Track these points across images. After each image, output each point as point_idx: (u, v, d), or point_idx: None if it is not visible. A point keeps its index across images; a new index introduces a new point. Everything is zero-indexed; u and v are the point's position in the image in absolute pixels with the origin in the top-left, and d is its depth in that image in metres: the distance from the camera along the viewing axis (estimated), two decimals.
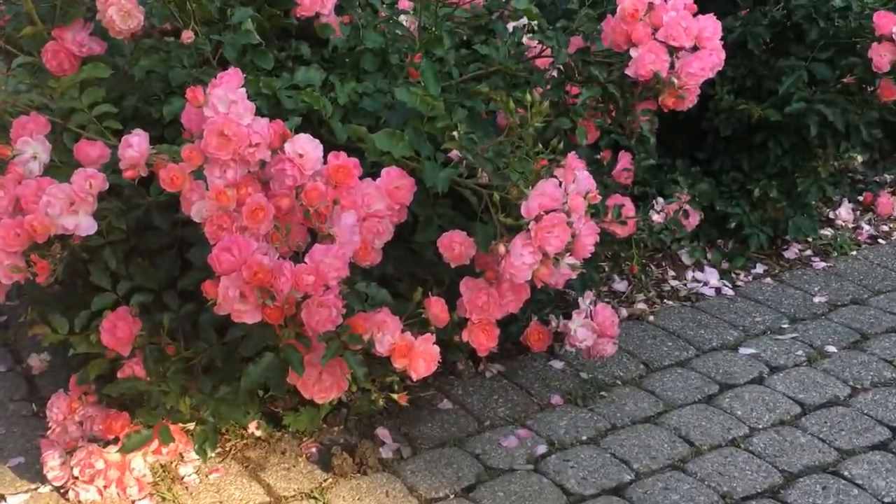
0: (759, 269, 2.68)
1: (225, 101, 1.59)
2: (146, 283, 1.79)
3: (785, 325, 2.39)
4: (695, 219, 2.53)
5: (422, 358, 1.57)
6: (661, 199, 2.51)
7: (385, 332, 1.56)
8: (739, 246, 2.74)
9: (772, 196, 2.70)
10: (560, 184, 1.64)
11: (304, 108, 1.96)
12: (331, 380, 1.56)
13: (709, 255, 2.69)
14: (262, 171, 1.62)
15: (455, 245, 1.70)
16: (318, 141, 1.62)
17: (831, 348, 2.27)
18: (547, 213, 1.59)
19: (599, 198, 1.73)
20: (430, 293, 1.71)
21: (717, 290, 2.57)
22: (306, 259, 1.48)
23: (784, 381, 2.15)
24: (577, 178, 1.67)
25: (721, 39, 1.95)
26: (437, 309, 1.63)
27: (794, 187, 2.75)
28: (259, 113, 1.81)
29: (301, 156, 1.60)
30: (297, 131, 1.68)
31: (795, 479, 1.83)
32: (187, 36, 1.87)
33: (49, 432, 1.78)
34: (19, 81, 1.73)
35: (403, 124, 1.91)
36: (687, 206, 2.48)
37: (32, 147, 1.68)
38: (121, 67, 1.98)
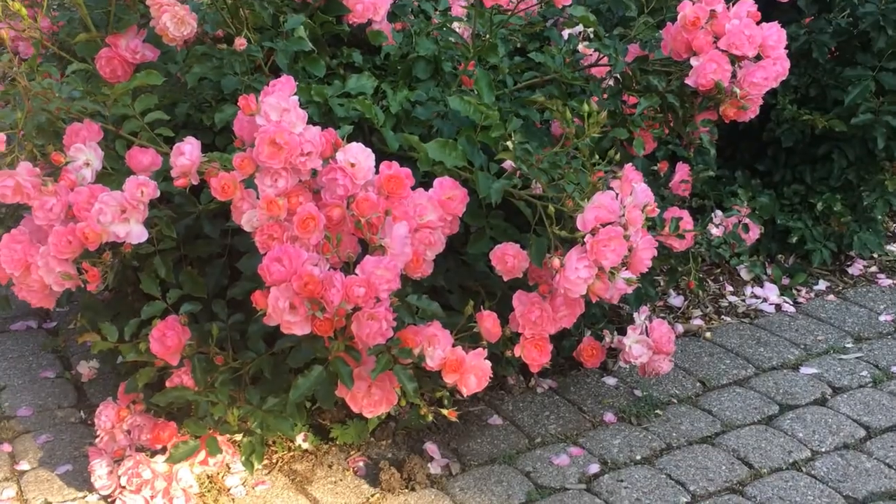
0: (822, 285, 2.63)
1: (277, 109, 1.60)
2: (195, 292, 1.81)
3: (849, 345, 2.34)
4: (755, 232, 2.49)
5: (473, 373, 1.57)
6: (719, 213, 2.48)
7: (436, 346, 1.55)
8: (801, 261, 2.69)
9: (836, 210, 2.65)
10: (617, 196, 1.62)
11: (355, 117, 1.97)
12: (380, 394, 1.56)
13: (769, 271, 2.65)
14: (313, 181, 1.62)
15: (508, 258, 1.69)
16: (370, 150, 1.62)
17: None
18: (603, 226, 1.58)
19: (657, 211, 1.71)
20: (482, 306, 1.71)
21: (777, 306, 2.52)
22: (357, 270, 1.48)
23: (848, 402, 2.10)
24: (634, 190, 1.66)
25: (785, 48, 1.93)
26: (489, 323, 1.62)
27: (859, 201, 2.70)
28: (310, 121, 1.83)
29: (353, 165, 1.60)
30: (348, 140, 1.70)
31: None
32: (240, 43, 1.88)
33: (97, 440, 1.80)
34: (73, 88, 1.75)
35: (456, 133, 1.91)
36: (747, 220, 2.45)
37: (85, 154, 1.70)
38: (173, 74, 2.00)
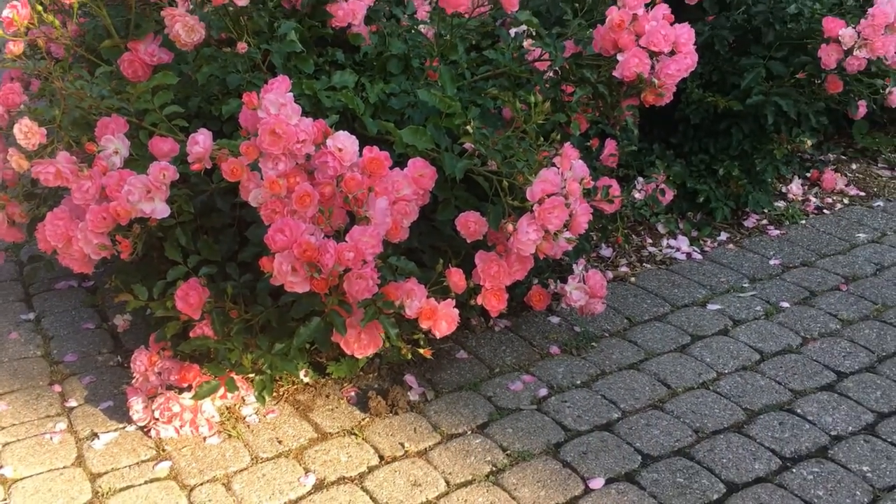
0: (724, 236, 2.65)
1: (276, 104, 1.57)
2: (211, 257, 1.79)
3: (745, 285, 2.37)
4: (669, 195, 2.50)
5: (444, 319, 1.57)
6: (641, 179, 2.48)
7: (413, 298, 1.55)
8: (707, 217, 2.71)
9: (734, 174, 2.67)
10: (559, 171, 1.62)
11: (340, 107, 1.94)
12: (368, 338, 1.56)
13: (681, 226, 2.66)
14: (307, 163, 1.60)
15: (470, 224, 1.68)
16: (354, 137, 1.60)
17: (785, 304, 2.26)
18: (548, 196, 1.58)
19: (592, 183, 1.71)
20: (449, 264, 1.71)
21: (688, 255, 2.54)
22: (347, 238, 1.47)
23: (745, 332, 2.13)
24: (573, 166, 1.66)
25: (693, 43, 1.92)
26: (456, 278, 1.62)
27: (753, 167, 2.72)
28: (303, 112, 1.80)
29: (340, 150, 1.58)
30: (335, 127, 1.67)
31: (756, 416, 1.82)
32: (242, 47, 1.85)
33: (133, 381, 1.78)
34: (102, 88, 1.71)
35: (425, 120, 1.90)
36: (663, 186, 2.45)
37: (114, 144, 1.67)
38: (185, 73, 1.96)
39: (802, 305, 2.26)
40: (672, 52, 1.89)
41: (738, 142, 2.68)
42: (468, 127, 1.71)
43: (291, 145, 1.55)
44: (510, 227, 1.60)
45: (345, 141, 1.59)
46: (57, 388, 1.95)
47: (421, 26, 2.34)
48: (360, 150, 1.61)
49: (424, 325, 1.57)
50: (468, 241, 1.70)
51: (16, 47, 1.61)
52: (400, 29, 2.31)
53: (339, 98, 1.95)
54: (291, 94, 1.61)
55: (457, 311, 1.59)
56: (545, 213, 1.57)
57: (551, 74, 2.05)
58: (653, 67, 1.88)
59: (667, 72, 1.87)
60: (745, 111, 2.56)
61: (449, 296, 1.60)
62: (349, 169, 1.58)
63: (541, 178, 1.58)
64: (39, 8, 1.72)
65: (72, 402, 1.90)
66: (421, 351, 1.65)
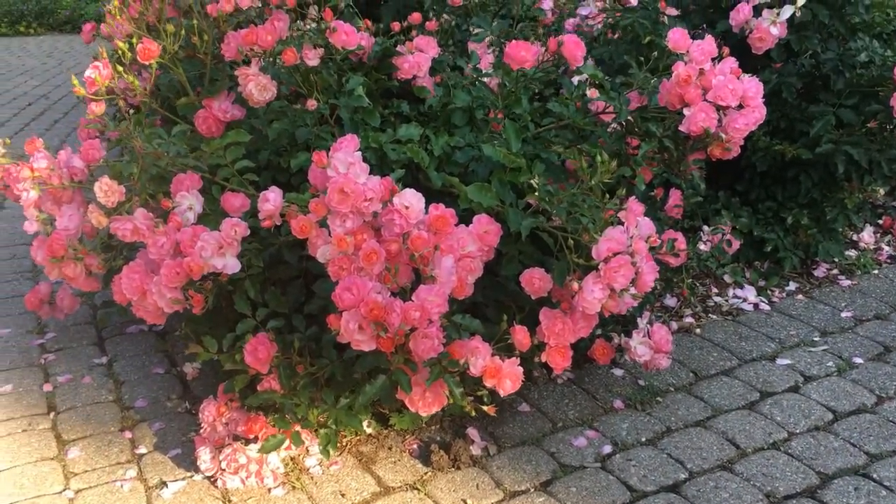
0: (792, 286, 2.59)
1: (344, 162, 1.60)
2: (279, 308, 1.82)
3: (816, 338, 2.30)
4: (735, 244, 2.46)
5: (508, 378, 1.56)
6: (706, 229, 2.45)
7: (478, 356, 1.55)
8: (774, 266, 2.65)
9: (803, 223, 2.62)
10: (624, 228, 1.61)
11: (405, 160, 1.97)
12: (432, 397, 1.56)
13: (747, 275, 2.61)
14: (374, 220, 1.62)
15: (535, 280, 1.68)
16: (420, 195, 1.62)
17: (858, 360, 2.19)
18: (614, 255, 1.57)
19: (658, 241, 1.70)
20: (513, 320, 1.70)
21: (755, 305, 2.49)
22: (413, 297, 1.48)
23: (817, 389, 2.07)
24: (639, 223, 1.64)
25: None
26: (520, 336, 1.61)
27: (822, 215, 2.66)
28: (367, 162, 1.84)
29: (407, 208, 1.60)
30: (401, 181, 1.70)
31: (830, 480, 1.75)
32: (311, 104, 1.89)
33: (201, 431, 1.81)
34: (178, 147, 1.76)
35: (489, 174, 1.91)
36: (729, 236, 2.41)
37: (188, 200, 1.71)
38: (256, 127, 2.01)
39: (877, 361, 2.18)
40: (740, 106, 1.87)
41: (807, 190, 2.62)
42: (533, 182, 1.72)
43: (359, 204, 1.57)
44: (575, 285, 1.59)
45: (411, 199, 1.60)
46: (128, 434, 1.99)
47: (484, 77, 2.37)
48: (426, 202, 1.62)
49: (489, 384, 1.56)
50: (532, 297, 1.69)
51: (98, 108, 1.67)
52: (464, 80, 2.34)
53: (405, 151, 1.98)
54: (359, 152, 1.63)
55: (521, 369, 1.58)
56: (611, 272, 1.55)
57: (616, 126, 2.04)
58: (720, 121, 1.86)
59: (734, 126, 1.84)
60: (815, 159, 2.51)
61: (513, 354, 1.59)
62: (415, 226, 1.59)
63: (607, 237, 1.57)
64: (120, 68, 1.79)
65: (142, 449, 1.93)
66: (485, 408, 1.64)
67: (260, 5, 1.76)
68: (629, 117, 1.98)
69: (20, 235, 3.26)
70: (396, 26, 2.41)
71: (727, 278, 2.59)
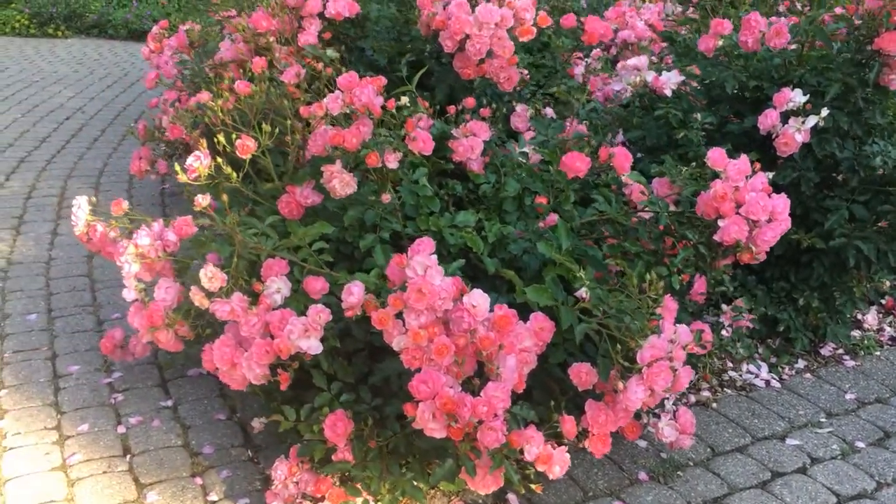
0: (801, 364, 2.80)
1: (422, 265, 1.81)
2: (345, 378, 2.02)
3: (822, 419, 2.51)
4: (749, 319, 2.67)
5: (558, 464, 1.77)
6: (725, 308, 2.65)
7: (532, 444, 1.76)
8: (785, 343, 2.86)
9: (814, 306, 2.83)
10: (665, 335, 1.82)
11: (462, 244, 2.18)
12: (492, 479, 1.76)
13: (760, 350, 2.83)
14: (444, 315, 1.83)
15: (582, 374, 1.89)
16: (486, 295, 1.82)
17: (860, 444, 2.40)
18: (656, 361, 1.78)
19: (695, 349, 1.90)
20: (560, 406, 1.91)
21: (767, 382, 2.70)
22: (482, 394, 1.69)
23: (823, 472, 2.27)
24: (678, 331, 1.85)
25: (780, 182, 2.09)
26: (569, 426, 1.82)
27: (832, 299, 2.87)
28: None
29: (474, 306, 1.81)
30: (456, 257, 1.90)
31: None
32: (386, 198, 2.09)
33: (273, 487, 2.01)
34: (272, 237, 1.96)
35: (541, 265, 2.13)
36: (748, 323, 2.62)
37: (277, 284, 1.92)
38: (328, 209, 2.21)
39: (877, 447, 2.39)
40: (768, 220, 2.08)
41: (819, 274, 2.83)
42: (584, 287, 1.93)
43: (434, 302, 1.78)
44: (621, 385, 1.80)
45: (479, 298, 1.81)
46: (198, 480, 2.19)
47: (527, 149, 2.59)
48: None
49: (540, 468, 1.76)
50: (579, 389, 1.90)
51: (204, 200, 1.87)
52: (511, 162, 2.56)
53: (462, 236, 2.19)
54: (434, 256, 1.84)
55: (568, 455, 1.79)
56: (653, 376, 1.76)
57: (656, 228, 2.24)
58: (750, 232, 2.07)
59: (763, 238, 2.05)
60: (828, 249, 2.72)
61: (562, 442, 1.80)
62: (481, 324, 1.80)
63: (650, 344, 1.78)
64: (220, 160, 1.99)
65: (213, 496, 2.13)
66: (533, 487, 1.85)
67: (348, 111, 1.96)
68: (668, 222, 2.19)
69: (76, 265, 3.47)
70: (452, 109, 2.62)
71: (741, 354, 2.80)
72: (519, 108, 3.07)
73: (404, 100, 2.07)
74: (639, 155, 2.97)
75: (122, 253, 2.01)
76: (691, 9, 4.92)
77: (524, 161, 2.63)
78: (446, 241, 2.20)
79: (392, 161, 1.99)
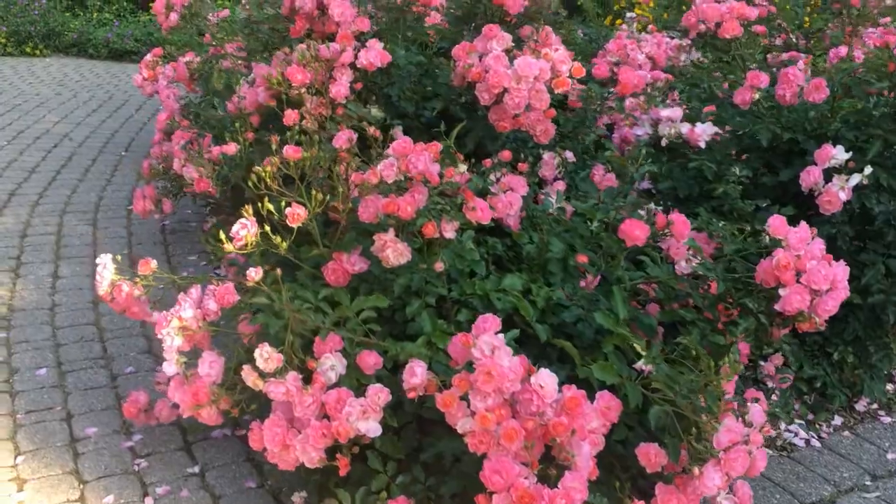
0: (838, 420, 2.77)
1: (489, 345, 1.74)
2: (394, 454, 1.95)
3: (868, 483, 2.47)
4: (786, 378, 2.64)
5: None
6: (765, 365, 2.61)
7: None
8: (821, 399, 2.83)
9: (849, 361, 2.80)
10: (739, 418, 1.77)
11: (509, 308, 2.12)
12: None
13: (796, 407, 2.79)
14: (510, 397, 1.76)
15: (651, 455, 1.82)
16: (554, 375, 1.76)
17: None
18: (734, 445, 1.72)
19: (771, 431, 1.85)
20: (625, 488, 1.85)
21: (807, 441, 2.66)
22: (559, 485, 1.62)
23: None
24: (752, 412, 1.80)
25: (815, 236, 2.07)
26: None
27: (867, 354, 2.84)
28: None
29: (542, 387, 1.74)
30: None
31: None
32: (439, 266, 2.02)
33: None
34: (326, 311, 1.88)
35: (595, 332, 2.07)
36: (787, 383, 2.58)
37: (331, 360, 1.84)
38: (376, 277, 2.14)
39: None
40: (829, 288, 2.04)
41: (854, 328, 2.80)
42: (645, 365, 1.87)
43: (503, 385, 1.71)
44: (696, 471, 1.74)
45: (546, 378, 1.74)
46: None
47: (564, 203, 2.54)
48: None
49: None
50: (648, 471, 1.84)
51: (257, 274, 1.79)
52: (548, 218, 2.50)
53: (509, 300, 2.13)
54: (502, 336, 1.77)
55: None
56: (731, 462, 1.71)
57: (711, 293, 2.20)
58: (811, 300, 2.03)
59: (825, 308, 2.01)
60: (864, 305, 2.69)
61: None
62: (549, 405, 1.73)
63: (727, 428, 1.72)
64: (267, 228, 1.91)
65: None
66: None
67: (402, 178, 1.89)
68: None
69: (82, 312, 3.34)
70: (488, 163, 2.56)
71: (780, 412, 2.76)
72: (546, 156, 3.03)
73: (462, 167, 2.00)
74: (668, 204, 2.94)
75: (163, 325, 1.92)
76: (688, 41, 4.93)
77: (561, 216, 2.58)
78: (494, 305, 2.14)
79: (449, 231, 1.92)
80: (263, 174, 1.90)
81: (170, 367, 1.94)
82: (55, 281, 3.64)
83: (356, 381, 1.87)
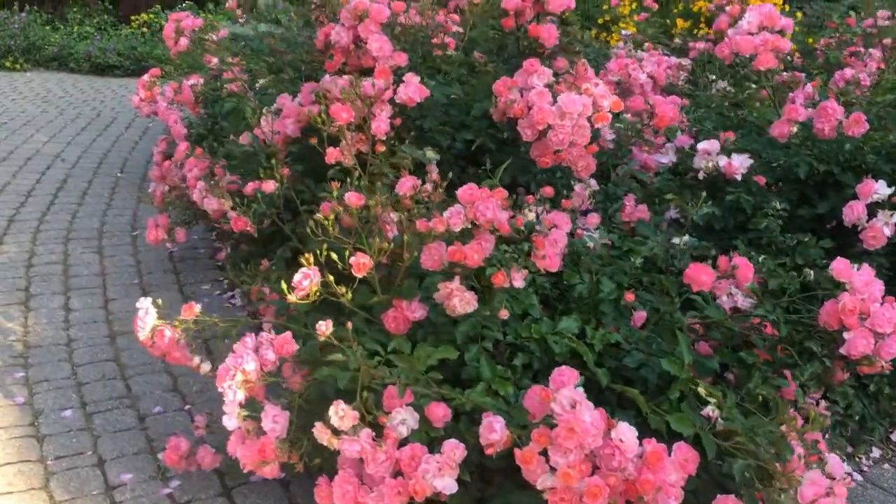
0: (876, 453, 2.77)
1: (570, 399, 1.71)
2: None
3: None
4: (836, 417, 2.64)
5: None
6: (810, 402, 2.61)
7: None
8: (858, 431, 2.83)
9: (885, 393, 2.80)
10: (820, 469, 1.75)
11: (567, 352, 2.09)
12: None
13: (834, 440, 2.78)
14: (590, 451, 1.73)
15: None
16: (633, 428, 1.73)
17: None
18: (817, 499, 1.71)
19: (853, 483, 1.84)
20: None
21: (849, 474, 2.66)
22: None
23: None
24: (830, 464, 1.79)
25: None
26: None
27: None
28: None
29: (622, 441, 1.71)
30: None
31: None
32: (504, 314, 1.99)
33: None
34: (400, 365, 1.84)
35: (658, 376, 2.05)
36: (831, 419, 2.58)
37: (402, 415, 1.80)
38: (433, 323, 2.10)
39: None
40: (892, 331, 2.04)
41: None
42: (713, 412, 1.85)
43: (585, 441, 1.68)
44: None
45: (626, 433, 1.72)
46: None
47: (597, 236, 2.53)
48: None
49: None
50: None
51: (327, 328, 1.74)
52: (591, 254, 2.48)
53: (566, 344, 2.10)
54: (581, 389, 1.74)
55: None
56: None
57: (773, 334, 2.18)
58: (875, 343, 2.02)
59: (890, 350, 2.01)
60: None
61: None
62: (630, 461, 1.70)
63: (811, 481, 1.71)
64: (331, 277, 1.86)
65: None
66: None
67: (469, 226, 1.86)
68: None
69: (101, 348, 3.26)
70: (531, 199, 2.53)
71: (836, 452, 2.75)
72: (577, 187, 3.02)
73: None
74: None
75: (225, 379, 1.86)
76: (688, 60, 4.95)
77: (602, 252, 2.56)
78: (551, 349, 2.11)
79: (518, 280, 1.89)
80: (325, 222, 1.85)
81: (230, 422, 1.89)
82: (68, 314, 3.55)
83: (425, 435, 1.83)
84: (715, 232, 2.87)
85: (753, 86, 3.17)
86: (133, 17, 10.76)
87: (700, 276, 2.02)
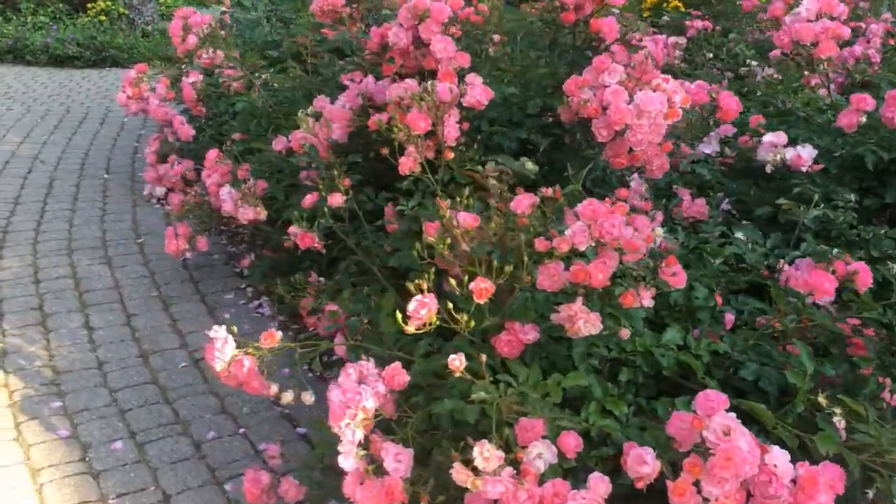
0: None
1: (723, 426, 1.63)
2: None
3: None
4: None
5: None
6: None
7: None
8: None
9: None
10: None
11: (674, 365, 2.02)
12: None
13: None
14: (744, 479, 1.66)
15: None
16: (786, 452, 1.66)
17: None
18: None
19: None
20: None
21: None
22: None
23: None
24: None
25: None
26: None
27: None
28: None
29: (776, 466, 1.64)
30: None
31: None
32: (624, 333, 1.90)
33: None
34: (527, 394, 1.74)
35: (777, 389, 1.98)
36: None
37: (539, 448, 1.70)
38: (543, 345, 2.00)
39: None
40: None
41: None
42: (840, 422, 1.79)
43: (742, 470, 1.60)
44: None
45: (780, 458, 1.64)
46: None
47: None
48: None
49: None
50: None
51: (461, 362, 1.63)
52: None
53: (673, 356, 2.03)
54: (734, 415, 1.66)
55: None
56: None
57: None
58: None
59: None
60: None
61: None
62: (785, 486, 1.64)
63: None
64: (450, 305, 1.75)
65: None
66: None
67: (594, 244, 1.76)
68: None
69: (135, 370, 3.10)
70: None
71: None
72: (634, 183, 2.93)
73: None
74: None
75: (342, 417, 1.74)
76: (684, 38, 4.88)
77: (681, 252, 2.49)
78: (658, 363, 2.04)
79: (647, 299, 1.80)
80: (439, 247, 1.73)
81: (347, 462, 1.76)
82: (90, 333, 3.36)
83: (560, 468, 1.73)
84: (779, 225, 2.82)
85: (806, 73, 3.11)
86: (90, 5, 10.33)
87: (823, 283, 1.95)
